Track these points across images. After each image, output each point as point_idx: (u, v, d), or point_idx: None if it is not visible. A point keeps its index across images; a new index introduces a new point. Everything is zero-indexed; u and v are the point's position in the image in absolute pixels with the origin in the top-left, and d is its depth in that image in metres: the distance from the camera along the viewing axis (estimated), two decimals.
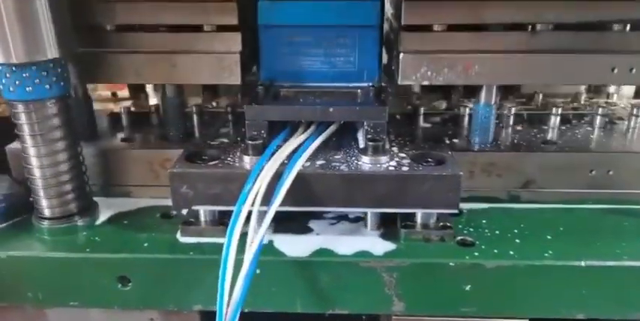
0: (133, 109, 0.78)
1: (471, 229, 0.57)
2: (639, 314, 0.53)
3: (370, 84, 0.62)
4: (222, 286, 0.45)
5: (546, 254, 0.52)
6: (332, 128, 0.59)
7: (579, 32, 0.56)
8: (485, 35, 0.57)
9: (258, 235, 0.46)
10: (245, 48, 0.60)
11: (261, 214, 0.48)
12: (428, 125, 0.71)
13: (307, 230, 0.56)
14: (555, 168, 0.61)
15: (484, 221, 0.58)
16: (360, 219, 0.58)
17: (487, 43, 0.57)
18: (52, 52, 0.51)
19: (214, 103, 0.83)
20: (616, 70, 0.57)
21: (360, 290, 0.52)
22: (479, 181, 0.62)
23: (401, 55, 0.57)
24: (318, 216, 0.59)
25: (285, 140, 0.56)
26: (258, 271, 0.51)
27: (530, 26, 0.57)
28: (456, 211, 0.53)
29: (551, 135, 0.67)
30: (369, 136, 0.55)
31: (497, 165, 0.61)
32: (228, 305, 0.45)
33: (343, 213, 0.59)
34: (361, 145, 0.57)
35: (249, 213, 0.48)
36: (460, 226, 0.57)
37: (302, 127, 0.59)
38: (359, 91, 0.61)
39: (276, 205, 0.48)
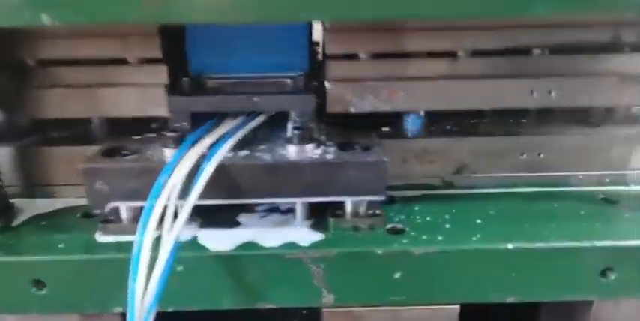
0: None
1: (403, 217, 0.56)
2: (570, 295, 0.53)
3: (300, 73, 0.60)
4: (134, 288, 0.42)
5: (474, 238, 0.51)
6: (260, 119, 0.57)
7: (498, 58, 0.58)
8: (409, 62, 0.58)
9: (173, 231, 0.44)
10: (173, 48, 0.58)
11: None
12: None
13: (235, 224, 0.55)
14: (486, 153, 0.61)
15: (417, 208, 0.57)
16: (292, 211, 0.57)
17: (411, 69, 0.58)
18: None
19: None
20: (535, 94, 0.58)
21: (287, 283, 0.50)
22: (412, 168, 0.61)
23: (327, 84, 0.57)
24: (249, 209, 0.57)
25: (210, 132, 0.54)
26: (180, 268, 0.49)
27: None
28: (382, 199, 0.52)
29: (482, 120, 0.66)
30: (295, 125, 0.54)
31: (430, 152, 0.61)
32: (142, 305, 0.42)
33: (273, 204, 0.57)
34: (288, 134, 0.56)
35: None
36: (392, 214, 0.56)
37: (229, 118, 0.57)
38: (289, 80, 0.60)
39: (193, 199, 0.46)
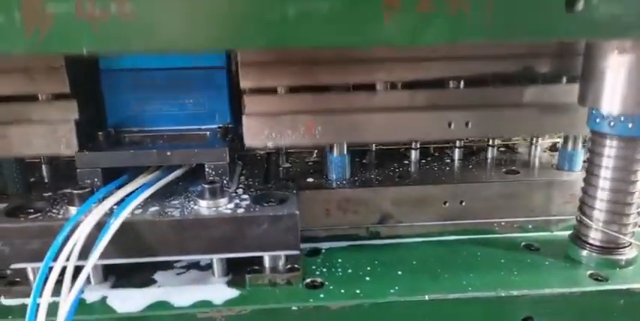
0: None
1: (324, 270, 0.55)
2: None
3: (219, 125, 0.61)
4: None
5: (392, 291, 0.50)
6: (175, 173, 0.56)
7: (416, 90, 0.58)
8: (326, 96, 0.58)
9: (71, 295, 0.43)
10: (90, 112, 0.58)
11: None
12: (288, 165, 0.70)
13: (150, 282, 0.53)
14: (410, 202, 0.61)
15: (340, 260, 0.57)
16: (211, 266, 0.55)
17: (329, 103, 0.58)
18: None
19: None
20: (453, 125, 0.59)
21: None
22: (336, 218, 0.61)
23: (244, 118, 0.57)
24: (166, 266, 0.55)
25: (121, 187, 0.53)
26: None
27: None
28: (297, 253, 0.51)
29: (409, 169, 0.67)
30: (209, 179, 0.53)
31: (352, 201, 0.60)
32: None
33: (190, 261, 0.56)
34: (200, 188, 0.54)
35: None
36: (314, 267, 0.55)
37: (146, 173, 0.57)
38: (208, 133, 0.60)
39: (93, 260, 0.45)
